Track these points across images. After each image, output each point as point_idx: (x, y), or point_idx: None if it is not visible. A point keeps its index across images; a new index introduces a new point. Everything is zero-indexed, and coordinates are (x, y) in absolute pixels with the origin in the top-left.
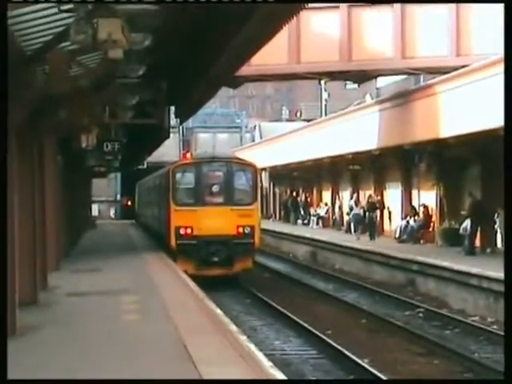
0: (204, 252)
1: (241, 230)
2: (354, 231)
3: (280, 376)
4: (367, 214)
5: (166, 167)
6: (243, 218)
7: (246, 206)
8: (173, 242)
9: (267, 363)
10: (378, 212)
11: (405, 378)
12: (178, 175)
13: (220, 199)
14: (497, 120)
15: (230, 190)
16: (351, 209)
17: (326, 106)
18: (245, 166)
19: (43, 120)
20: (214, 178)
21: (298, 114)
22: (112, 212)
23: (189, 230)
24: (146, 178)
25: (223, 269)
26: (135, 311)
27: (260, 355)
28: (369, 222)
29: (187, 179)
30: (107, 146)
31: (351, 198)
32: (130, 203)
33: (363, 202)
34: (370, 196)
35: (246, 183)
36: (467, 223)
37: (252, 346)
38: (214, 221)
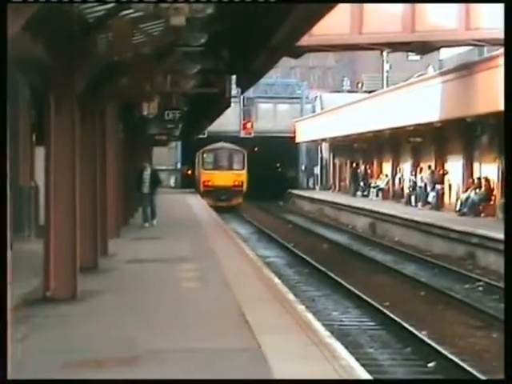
0: (217, 194)
1: (236, 183)
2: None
3: (338, 346)
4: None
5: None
6: (237, 176)
7: (238, 171)
8: (201, 189)
9: (325, 332)
10: (430, 183)
11: (404, 378)
12: (205, 154)
13: (226, 167)
14: None
15: (230, 162)
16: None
17: (387, 77)
18: (238, 151)
19: (105, 87)
20: (223, 157)
21: (360, 85)
22: (172, 181)
23: (210, 183)
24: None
25: (226, 202)
26: (194, 278)
27: (318, 325)
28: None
29: (209, 156)
30: (168, 115)
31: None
32: (189, 172)
33: (423, 174)
34: (432, 170)
35: (238, 159)
36: None
37: (310, 316)
38: (222, 178)
